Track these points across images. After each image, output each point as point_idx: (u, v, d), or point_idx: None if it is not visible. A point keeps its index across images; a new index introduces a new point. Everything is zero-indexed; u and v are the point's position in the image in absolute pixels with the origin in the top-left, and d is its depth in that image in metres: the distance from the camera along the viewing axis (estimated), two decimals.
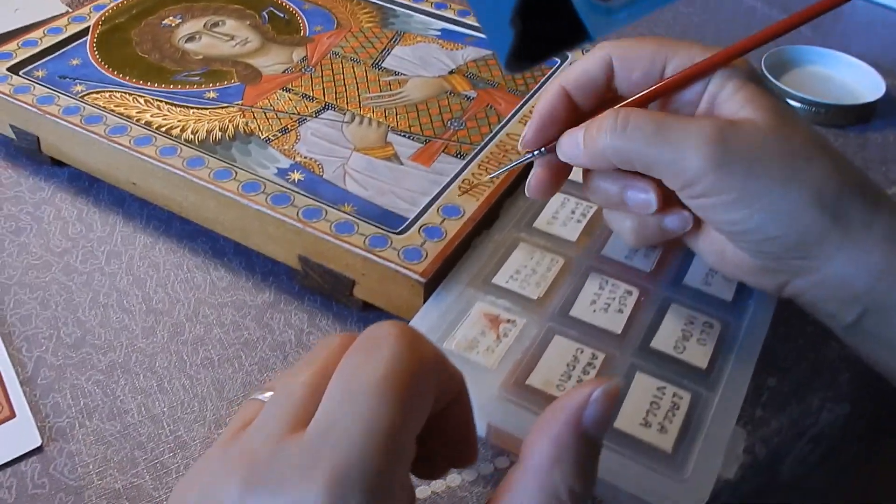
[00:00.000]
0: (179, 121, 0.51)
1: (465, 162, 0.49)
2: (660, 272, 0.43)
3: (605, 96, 0.40)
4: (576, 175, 0.42)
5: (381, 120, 0.52)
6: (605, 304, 0.41)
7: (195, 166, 0.47)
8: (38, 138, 0.53)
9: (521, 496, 0.24)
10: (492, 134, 0.51)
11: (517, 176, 0.48)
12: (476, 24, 0.62)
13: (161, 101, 0.53)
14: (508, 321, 0.40)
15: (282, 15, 0.63)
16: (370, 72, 0.57)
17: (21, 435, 0.39)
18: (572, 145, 0.38)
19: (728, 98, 0.36)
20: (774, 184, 0.34)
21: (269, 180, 0.46)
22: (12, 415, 0.40)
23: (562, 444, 0.24)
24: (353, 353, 0.24)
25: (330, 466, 0.22)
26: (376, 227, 0.44)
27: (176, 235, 0.50)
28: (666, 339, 0.40)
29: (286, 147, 0.49)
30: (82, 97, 0.52)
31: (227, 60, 0.58)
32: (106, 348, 0.44)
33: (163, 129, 0.50)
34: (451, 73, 0.57)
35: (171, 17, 0.62)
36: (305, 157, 0.48)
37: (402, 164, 0.49)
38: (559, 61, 0.59)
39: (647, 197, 0.38)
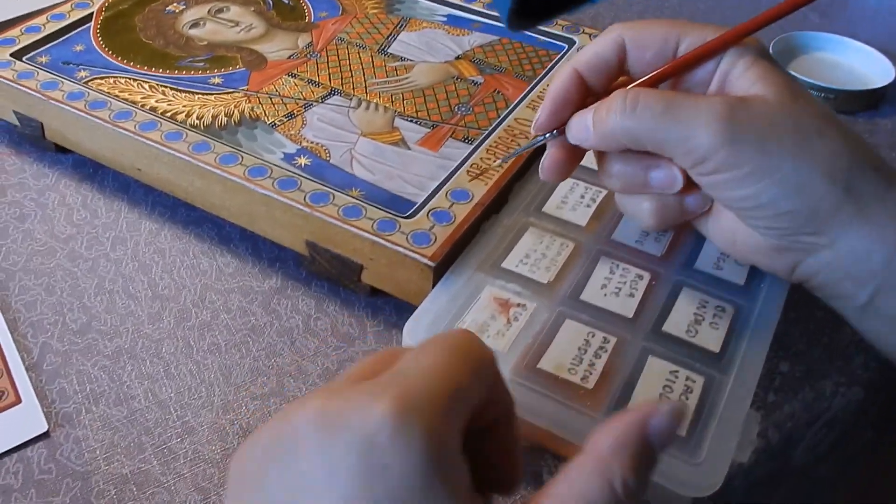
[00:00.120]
0: (184, 106, 0.50)
1: (473, 147, 0.48)
2: (671, 256, 0.43)
3: (617, 78, 0.39)
4: (585, 160, 0.42)
5: (387, 105, 0.52)
6: (615, 288, 0.41)
7: (201, 151, 0.46)
8: (41, 124, 0.52)
9: (579, 478, 0.25)
10: (500, 119, 0.51)
11: (526, 160, 0.47)
12: (482, 10, 0.62)
13: (166, 87, 0.52)
14: (518, 305, 0.40)
15: (286, 1, 0.62)
16: (376, 57, 0.56)
17: (27, 420, 0.39)
18: (581, 128, 0.38)
19: (739, 75, 0.36)
20: (786, 158, 0.34)
21: (275, 165, 0.46)
22: (18, 400, 0.40)
23: (625, 440, 0.26)
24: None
25: (395, 392, 0.24)
26: (384, 211, 0.43)
27: (181, 221, 0.50)
28: (678, 322, 0.39)
29: (292, 132, 0.49)
30: (86, 83, 0.52)
31: (232, 46, 0.57)
32: (112, 334, 0.43)
33: (168, 115, 0.49)
34: (457, 58, 0.57)
35: (174, 4, 0.62)
36: (312, 142, 0.48)
37: (409, 148, 0.48)
38: (566, 47, 0.58)
39: (672, 175, 0.37)
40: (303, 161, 0.47)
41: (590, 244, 0.43)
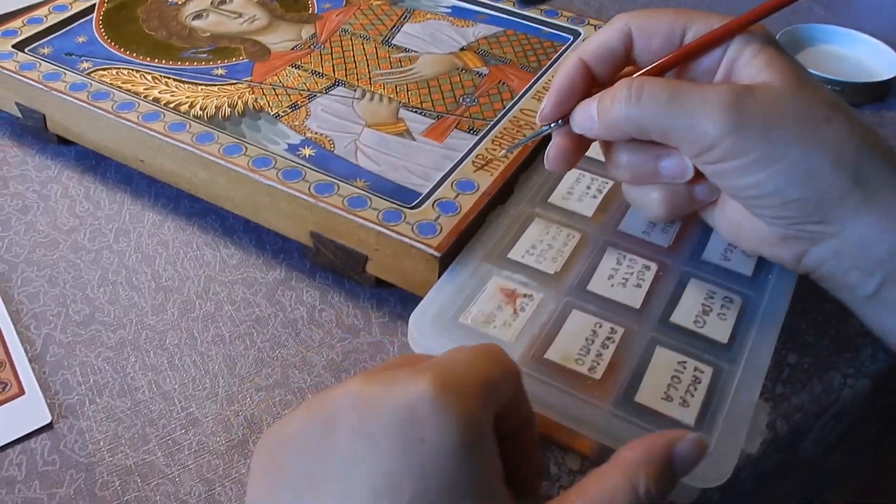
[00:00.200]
0: (188, 97, 0.50)
1: (478, 138, 0.48)
2: (678, 247, 0.43)
3: (624, 68, 0.39)
4: (591, 152, 0.42)
5: (392, 96, 0.51)
6: (623, 278, 0.41)
7: (205, 142, 0.46)
8: (44, 116, 0.52)
9: (608, 479, 0.27)
10: (505, 110, 0.50)
11: (531, 151, 0.47)
12: (486, 2, 0.61)
13: (169, 78, 0.52)
14: (525, 296, 0.40)
15: None
16: (380, 49, 0.56)
17: (30, 412, 0.39)
18: (586, 117, 0.37)
19: (747, 63, 0.36)
20: (793, 145, 0.33)
21: (279, 156, 0.46)
22: (21, 392, 0.39)
23: (653, 455, 0.28)
24: None
25: (434, 373, 0.26)
26: (389, 201, 0.43)
27: (185, 213, 0.50)
28: (686, 313, 0.39)
29: (296, 123, 0.48)
30: (89, 74, 0.52)
31: (235, 37, 0.57)
32: (115, 325, 0.43)
33: (171, 106, 0.49)
34: (462, 49, 0.56)
35: None
36: (316, 133, 0.48)
37: (414, 139, 0.48)
38: (571, 38, 0.58)
39: (683, 164, 0.37)
40: (307, 152, 0.46)
41: (596, 235, 0.43)
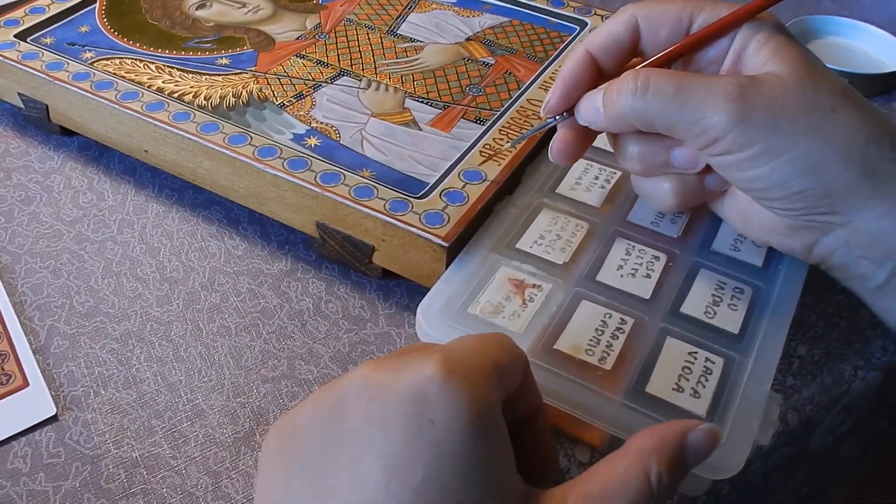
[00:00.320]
0: (192, 87, 0.50)
1: (485, 128, 0.48)
2: (687, 238, 0.42)
3: (631, 59, 0.38)
4: (599, 142, 0.41)
5: (397, 86, 0.51)
6: (632, 269, 0.40)
7: (209, 132, 0.46)
8: (46, 106, 0.51)
9: (621, 465, 0.27)
10: (512, 100, 0.50)
11: (539, 141, 0.46)
12: None
13: (173, 68, 0.51)
14: (534, 286, 0.39)
15: None
16: (385, 39, 0.55)
17: (35, 404, 0.38)
18: (591, 109, 0.37)
19: (755, 52, 0.35)
20: (799, 136, 0.33)
21: (285, 145, 0.45)
22: (25, 384, 0.39)
23: (665, 442, 0.28)
24: None
25: (443, 356, 0.26)
26: (396, 191, 0.42)
27: (189, 204, 0.49)
28: (696, 303, 0.39)
29: (301, 113, 0.48)
30: (92, 64, 0.51)
31: (239, 27, 0.56)
32: (120, 317, 0.43)
33: (175, 96, 0.49)
34: (468, 39, 0.56)
35: None
36: (321, 123, 0.47)
37: (420, 129, 0.47)
38: (578, 28, 0.58)
39: (695, 154, 0.36)
40: (313, 141, 0.46)
41: (605, 225, 0.43)
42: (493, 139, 0.46)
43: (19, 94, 0.52)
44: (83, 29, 0.55)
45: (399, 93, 0.50)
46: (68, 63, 0.51)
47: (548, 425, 0.32)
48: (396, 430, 0.25)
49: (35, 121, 0.53)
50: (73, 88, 0.49)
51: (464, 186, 0.43)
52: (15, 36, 0.53)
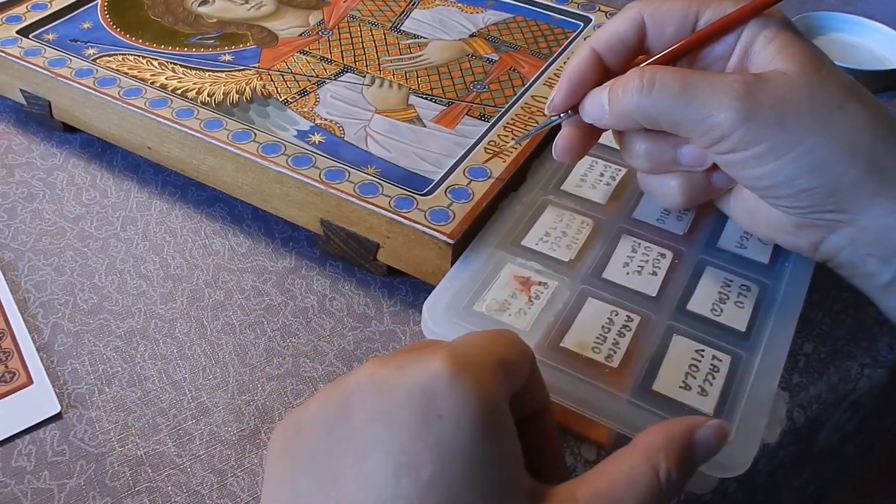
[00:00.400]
0: (195, 83, 0.49)
1: (489, 124, 0.47)
2: (693, 235, 0.42)
3: (637, 57, 0.38)
4: (604, 139, 0.41)
5: (401, 83, 0.51)
6: (638, 266, 0.40)
7: (213, 128, 0.45)
8: (49, 103, 0.51)
9: (628, 462, 0.27)
10: (516, 96, 0.50)
11: (544, 138, 0.46)
12: None
13: (176, 64, 0.51)
14: (540, 283, 0.39)
15: None
16: (389, 35, 0.55)
17: (39, 402, 0.38)
18: (596, 106, 0.37)
19: (761, 49, 0.35)
20: (806, 134, 0.33)
21: (289, 142, 0.45)
22: (29, 381, 0.39)
23: (673, 439, 0.28)
24: None
25: (450, 352, 0.25)
26: (401, 188, 0.42)
27: (192, 201, 0.49)
28: (702, 301, 0.39)
29: (305, 109, 0.48)
30: (95, 60, 0.51)
31: (242, 23, 0.56)
32: (124, 314, 0.42)
33: (178, 92, 0.48)
34: (471, 36, 0.56)
35: None
36: (325, 120, 0.47)
37: (424, 126, 0.47)
38: (582, 25, 0.57)
39: (703, 151, 0.36)
40: (317, 138, 0.46)
41: (610, 222, 0.43)
42: (498, 136, 0.46)
43: (21, 90, 0.52)
44: (85, 25, 0.55)
45: (403, 89, 0.50)
46: (71, 59, 0.51)
47: (554, 422, 0.32)
48: (404, 428, 0.24)
49: (37, 117, 0.53)
50: (77, 85, 0.49)
51: (469, 183, 0.43)
52: (17, 32, 0.53)
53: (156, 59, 0.52)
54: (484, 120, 0.48)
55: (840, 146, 0.33)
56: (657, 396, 0.34)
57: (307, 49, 0.53)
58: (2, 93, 0.54)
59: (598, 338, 0.37)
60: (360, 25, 0.56)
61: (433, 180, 0.43)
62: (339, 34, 0.55)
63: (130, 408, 0.38)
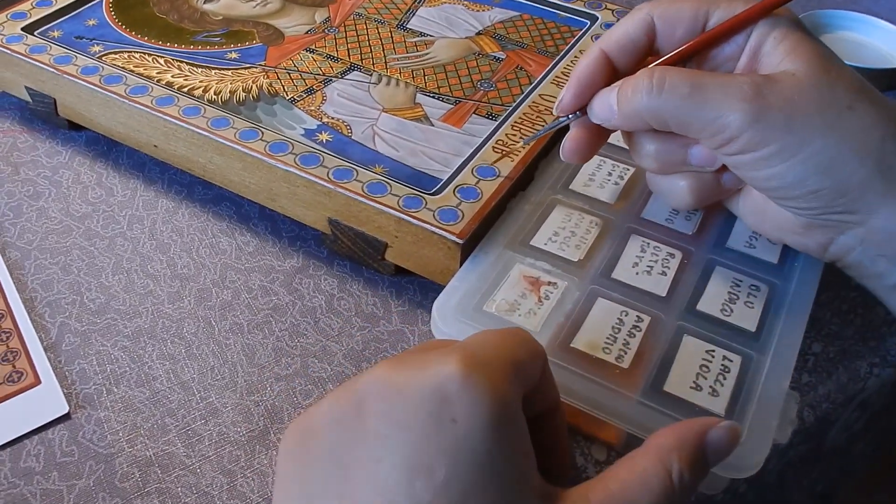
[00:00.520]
0: (201, 81, 0.49)
1: (497, 123, 0.47)
2: (702, 235, 0.42)
3: (646, 58, 0.38)
4: (611, 138, 0.41)
5: (408, 81, 0.51)
6: (647, 266, 0.40)
7: (220, 126, 0.45)
8: (54, 100, 0.51)
9: (641, 464, 0.27)
10: (523, 95, 0.50)
11: (552, 137, 0.46)
12: None
13: (182, 62, 0.51)
14: (549, 283, 0.39)
15: None
16: (395, 33, 0.55)
17: (47, 402, 0.38)
18: (605, 107, 0.37)
19: (771, 50, 0.35)
20: (814, 135, 0.33)
21: (296, 141, 0.45)
22: (37, 381, 0.39)
23: (686, 440, 0.28)
24: None
25: (462, 354, 0.26)
26: (410, 187, 0.42)
27: (199, 200, 0.49)
28: (712, 301, 0.39)
29: (312, 108, 0.48)
30: (100, 57, 0.51)
31: (248, 21, 0.56)
32: (131, 314, 0.42)
33: (185, 90, 0.48)
34: (478, 34, 0.55)
35: None
36: (333, 118, 0.47)
37: (432, 125, 0.47)
38: (589, 23, 0.57)
39: (712, 152, 0.36)
40: (324, 137, 0.45)
41: (619, 222, 0.42)
42: (506, 135, 0.46)
43: (27, 87, 0.52)
44: (91, 22, 0.55)
45: (410, 88, 0.50)
46: (77, 57, 0.50)
47: (565, 423, 0.32)
48: (417, 429, 0.24)
49: (42, 115, 0.53)
50: (83, 83, 0.48)
51: (477, 183, 0.43)
52: (22, 29, 0.53)
53: (161, 57, 0.51)
54: (491, 119, 0.48)
55: (849, 147, 0.32)
56: (668, 397, 0.34)
57: (313, 47, 0.53)
58: (7, 90, 0.54)
59: (608, 338, 0.36)
60: (366, 23, 0.56)
61: (441, 179, 0.43)
62: (346, 32, 0.55)
63: (139, 408, 0.38)
